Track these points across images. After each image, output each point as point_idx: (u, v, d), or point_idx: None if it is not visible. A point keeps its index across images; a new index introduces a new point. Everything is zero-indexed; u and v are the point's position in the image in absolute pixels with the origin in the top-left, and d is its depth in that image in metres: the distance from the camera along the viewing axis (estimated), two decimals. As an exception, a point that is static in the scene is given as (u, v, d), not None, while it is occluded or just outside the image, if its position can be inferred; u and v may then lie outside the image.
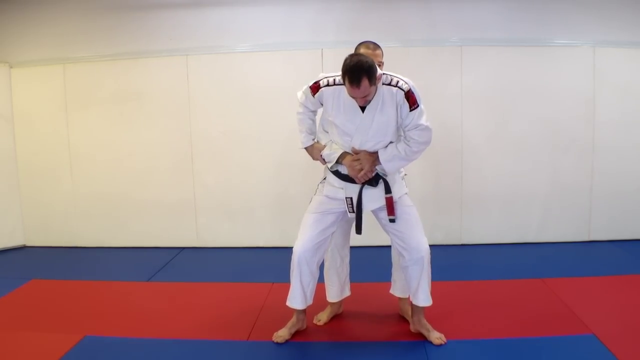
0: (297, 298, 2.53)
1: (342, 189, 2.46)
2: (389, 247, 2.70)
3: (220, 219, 4.29)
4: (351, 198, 2.44)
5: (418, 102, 2.30)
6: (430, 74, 4.00)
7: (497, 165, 4.13)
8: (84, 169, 4.32)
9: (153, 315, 2.91)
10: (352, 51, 3.73)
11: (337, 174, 2.47)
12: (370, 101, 2.30)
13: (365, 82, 2.15)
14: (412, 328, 2.60)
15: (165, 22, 4.15)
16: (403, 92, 2.28)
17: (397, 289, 2.80)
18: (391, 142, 2.40)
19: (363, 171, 2.37)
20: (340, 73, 2.25)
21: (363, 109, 2.32)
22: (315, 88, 2.40)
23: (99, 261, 4.04)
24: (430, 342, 2.47)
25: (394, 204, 2.42)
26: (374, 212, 2.51)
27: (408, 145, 2.35)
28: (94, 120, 4.26)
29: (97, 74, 4.22)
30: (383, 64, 2.63)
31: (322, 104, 2.44)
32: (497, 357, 2.36)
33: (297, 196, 3.94)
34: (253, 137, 4.16)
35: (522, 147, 4.10)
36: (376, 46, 2.63)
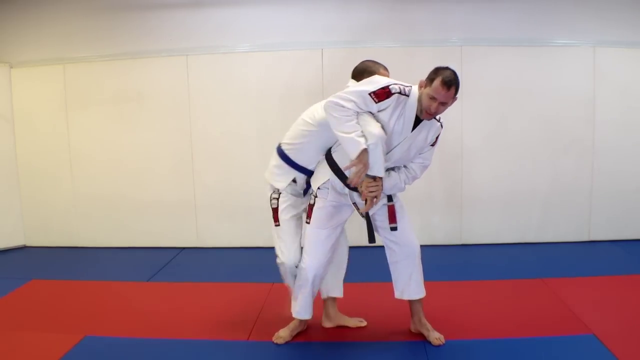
0: (306, 309, 2.54)
1: (347, 194, 2.41)
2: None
3: (220, 219, 4.28)
4: (355, 203, 2.43)
5: (438, 140, 2.38)
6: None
7: (497, 165, 4.13)
8: (84, 169, 4.32)
9: (153, 315, 2.90)
10: (352, 51, 3.81)
11: (340, 175, 2.36)
12: (423, 122, 2.28)
13: (452, 92, 2.17)
14: (412, 328, 2.59)
15: (165, 22, 4.15)
16: (441, 130, 2.36)
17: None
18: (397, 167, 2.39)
19: (377, 200, 2.30)
20: (404, 83, 2.24)
21: (413, 128, 2.28)
22: (384, 94, 2.18)
23: (99, 261, 4.04)
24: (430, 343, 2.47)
25: (396, 212, 2.42)
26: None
27: (407, 176, 2.39)
28: (94, 120, 4.26)
29: (97, 74, 4.22)
30: None
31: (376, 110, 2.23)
32: (497, 357, 2.35)
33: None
34: (253, 137, 4.15)
35: (522, 147, 4.10)
36: (385, 67, 2.52)
